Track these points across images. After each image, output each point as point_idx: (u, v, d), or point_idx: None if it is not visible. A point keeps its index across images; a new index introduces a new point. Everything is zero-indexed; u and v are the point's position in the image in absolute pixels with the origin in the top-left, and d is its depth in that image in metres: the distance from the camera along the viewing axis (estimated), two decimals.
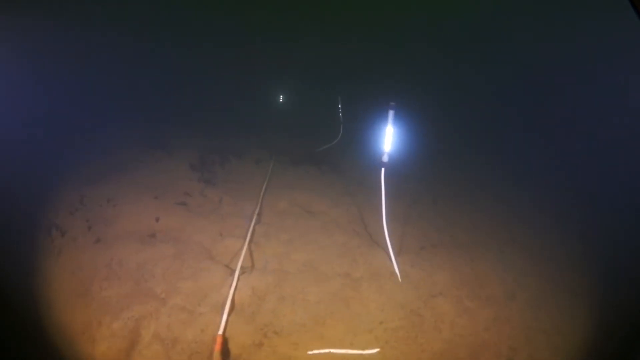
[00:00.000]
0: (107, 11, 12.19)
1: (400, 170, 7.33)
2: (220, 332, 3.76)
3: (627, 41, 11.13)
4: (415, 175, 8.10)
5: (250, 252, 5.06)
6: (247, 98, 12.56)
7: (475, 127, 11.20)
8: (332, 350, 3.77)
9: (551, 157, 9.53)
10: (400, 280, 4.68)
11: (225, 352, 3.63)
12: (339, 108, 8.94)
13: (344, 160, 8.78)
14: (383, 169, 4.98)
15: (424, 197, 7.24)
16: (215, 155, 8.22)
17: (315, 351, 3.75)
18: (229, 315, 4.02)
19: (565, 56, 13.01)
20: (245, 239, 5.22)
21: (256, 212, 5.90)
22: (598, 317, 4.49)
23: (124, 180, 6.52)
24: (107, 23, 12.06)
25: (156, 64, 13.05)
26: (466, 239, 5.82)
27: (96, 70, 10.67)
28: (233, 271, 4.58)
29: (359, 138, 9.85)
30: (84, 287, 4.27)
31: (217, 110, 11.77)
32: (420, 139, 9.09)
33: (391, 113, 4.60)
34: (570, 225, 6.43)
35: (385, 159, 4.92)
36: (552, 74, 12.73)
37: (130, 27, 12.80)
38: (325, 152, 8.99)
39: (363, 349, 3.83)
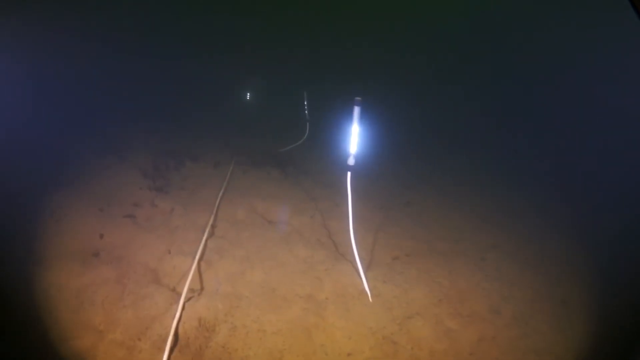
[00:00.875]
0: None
1: (369, 171, 6.97)
2: None
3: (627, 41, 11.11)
4: (385, 175, 7.64)
5: (199, 272, 4.46)
6: (211, 98, 11.82)
7: (451, 123, 10.82)
8: None
9: (535, 155, 9.23)
10: (370, 300, 4.18)
11: None
12: (304, 105, 8.33)
13: (309, 161, 8.24)
14: (349, 173, 4.42)
15: (396, 199, 6.78)
16: (171, 159, 7.54)
17: None
18: (171, 352, 3.43)
19: (550, 47, 12.82)
20: (194, 256, 4.61)
21: (209, 224, 5.29)
22: (591, 329, 4.10)
23: (70, 191, 5.84)
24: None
25: (111, 59, 12.13)
26: (444, 246, 5.38)
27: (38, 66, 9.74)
28: (179, 296, 3.98)
29: (326, 136, 9.35)
30: (20, 319, 3.63)
31: (176, 110, 11.02)
32: (391, 137, 8.66)
33: (357, 110, 4.05)
34: (557, 228, 6.07)
35: (351, 161, 4.37)
36: (537, 65, 12.53)
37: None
38: (290, 153, 8.40)
39: None
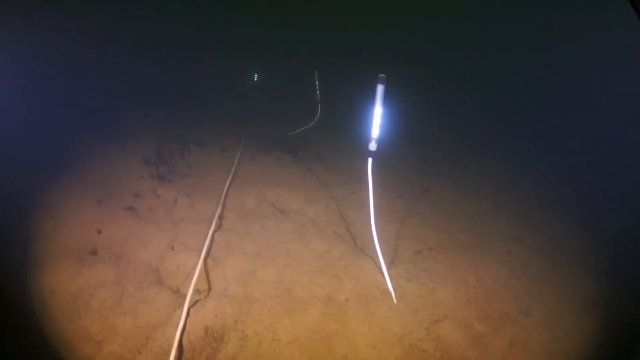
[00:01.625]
0: None
1: (385, 155, 6.46)
2: None
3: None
4: (400, 159, 7.14)
5: (206, 271, 4.05)
6: (217, 79, 11.30)
7: (471, 107, 10.19)
8: None
9: (559, 141, 8.64)
10: (395, 301, 3.75)
11: None
12: (315, 85, 7.79)
13: (321, 144, 7.75)
14: (370, 159, 3.93)
15: (413, 185, 6.30)
16: (175, 144, 7.10)
17: None
18: None
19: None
20: (200, 253, 4.20)
21: (216, 215, 4.87)
22: (620, 333, 3.67)
23: (67, 183, 5.45)
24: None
25: (116, 43, 11.59)
26: (466, 238, 4.95)
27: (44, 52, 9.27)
28: (184, 300, 3.58)
29: (339, 118, 8.86)
30: (9, 329, 3.27)
31: (181, 92, 10.52)
32: (406, 117, 8.13)
33: (380, 88, 3.54)
34: (585, 219, 5.59)
35: (372, 147, 3.87)
36: (555, 61, 11.96)
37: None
38: (301, 136, 7.91)
39: None
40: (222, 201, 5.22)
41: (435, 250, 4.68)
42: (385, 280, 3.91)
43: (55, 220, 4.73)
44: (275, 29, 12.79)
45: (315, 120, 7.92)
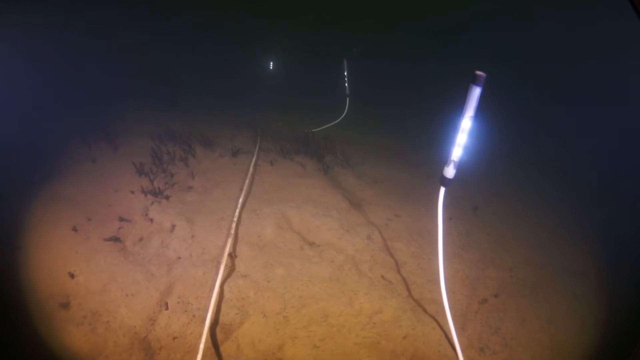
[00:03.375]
0: None
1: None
2: None
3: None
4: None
5: (214, 347, 2.86)
6: (231, 68, 9.96)
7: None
8: None
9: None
10: None
11: None
12: (344, 75, 6.46)
13: (350, 146, 6.52)
14: (443, 189, 2.79)
15: (461, 202, 5.09)
16: (177, 145, 5.88)
17: None
18: None
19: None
20: (205, 315, 3.01)
21: (226, 252, 3.65)
22: None
23: (42, 197, 4.38)
24: None
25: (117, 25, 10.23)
26: (529, 277, 4.06)
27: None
28: None
29: (370, 114, 7.58)
30: None
31: (189, 76, 9.25)
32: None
33: (475, 92, 2.28)
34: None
35: (449, 172, 2.68)
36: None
37: None
38: (327, 136, 6.63)
39: None
40: (233, 229, 4.00)
41: (500, 297, 3.69)
42: (455, 350, 2.72)
43: (21, 253, 3.59)
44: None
45: (343, 116, 6.62)
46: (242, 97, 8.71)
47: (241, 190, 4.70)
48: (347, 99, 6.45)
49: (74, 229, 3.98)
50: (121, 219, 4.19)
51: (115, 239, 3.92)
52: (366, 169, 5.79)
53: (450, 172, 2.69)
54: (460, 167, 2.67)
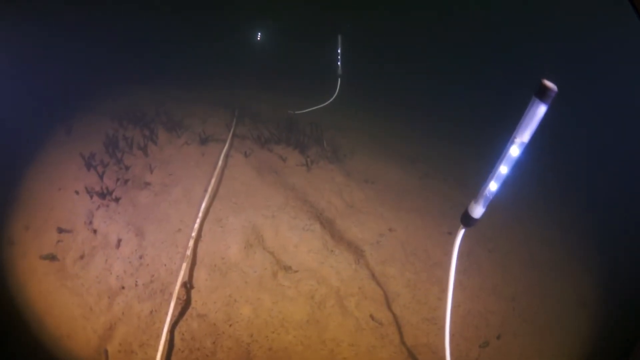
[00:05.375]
0: None
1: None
2: None
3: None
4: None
5: None
6: (208, 35, 8.87)
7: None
8: None
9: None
10: None
11: None
12: (337, 52, 5.56)
13: (339, 134, 5.75)
14: (462, 231, 2.14)
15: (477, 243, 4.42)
16: (138, 128, 5.08)
17: None
18: None
19: None
20: None
21: (179, 281, 2.96)
22: None
23: None
24: None
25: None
26: (533, 309, 3.50)
27: None
28: None
29: (363, 96, 6.75)
30: None
31: (160, 48, 8.24)
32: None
33: (539, 109, 1.56)
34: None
35: (476, 211, 2.03)
36: None
37: None
38: (313, 118, 5.83)
39: None
40: (191, 247, 3.30)
41: (502, 338, 3.15)
42: None
43: None
44: None
45: (333, 98, 5.78)
46: (224, 71, 7.80)
47: (206, 190, 3.96)
48: (339, 79, 5.60)
49: (11, 242, 3.29)
50: (60, 230, 3.47)
51: (52, 257, 3.22)
52: (356, 163, 5.06)
53: (478, 210, 2.02)
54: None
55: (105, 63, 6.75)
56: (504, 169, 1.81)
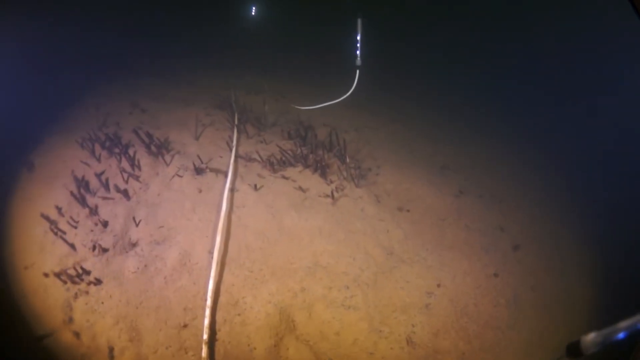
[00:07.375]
0: None
1: None
2: None
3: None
4: None
5: None
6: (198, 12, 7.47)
7: None
8: None
9: None
10: None
11: None
12: (356, 39, 4.44)
13: (362, 138, 4.78)
14: None
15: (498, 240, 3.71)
16: (112, 156, 4.10)
17: None
18: None
19: None
20: None
21: None
22: None
23: None
24: None
25: None
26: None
27: None
28: None
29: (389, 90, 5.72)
30: None
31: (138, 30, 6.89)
32: None
33: None
34: None
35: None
36: None
37: None
38: (330, 125, 4.83)
39: None
40: (205, 354, 2.50)
41: None
42: None
43: None
44: None
45: (350, 92, 4.72)
46: (217, 57, 6.60)
47: (211, 253, 3.10)
48: (357, 70, 4.54)
49: None
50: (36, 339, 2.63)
51: None
52: (383, 180, 4.19)
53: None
54: None
55: (65, 61, 5.55)
56: None
